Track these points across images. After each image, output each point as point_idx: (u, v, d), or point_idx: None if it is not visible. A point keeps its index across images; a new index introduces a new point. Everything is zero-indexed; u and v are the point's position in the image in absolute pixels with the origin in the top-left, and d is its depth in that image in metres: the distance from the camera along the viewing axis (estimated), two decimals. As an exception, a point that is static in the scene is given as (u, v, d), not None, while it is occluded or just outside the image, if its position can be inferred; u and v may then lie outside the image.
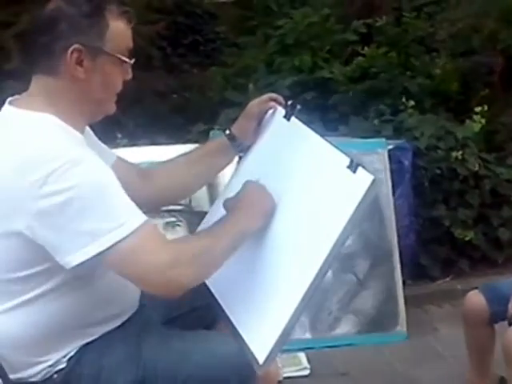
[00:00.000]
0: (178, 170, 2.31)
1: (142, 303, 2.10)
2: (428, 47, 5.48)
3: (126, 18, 1.97)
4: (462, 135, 4.40)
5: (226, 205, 2.09)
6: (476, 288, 3.00)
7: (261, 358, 1.89)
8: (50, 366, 1.95)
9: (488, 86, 5.26)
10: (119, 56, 1.96)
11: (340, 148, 1.99)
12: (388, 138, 4.09)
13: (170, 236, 3.47)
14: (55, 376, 1.95)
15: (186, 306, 2.17)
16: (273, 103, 2.29)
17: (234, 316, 2.04)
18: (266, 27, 6.24)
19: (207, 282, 2.08)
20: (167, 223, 3.53)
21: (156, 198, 2.30)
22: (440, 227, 4.28)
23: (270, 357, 1.88)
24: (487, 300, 2.90)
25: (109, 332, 1.99)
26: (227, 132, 2.31)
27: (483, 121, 4.56)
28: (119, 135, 4.36)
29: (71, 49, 1.88)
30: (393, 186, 3.81)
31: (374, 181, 1.84)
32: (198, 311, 2.03)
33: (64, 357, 1.95)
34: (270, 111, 2.30)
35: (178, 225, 3.53)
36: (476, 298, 2.94)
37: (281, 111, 2.26)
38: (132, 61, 2.00)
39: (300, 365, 3.50)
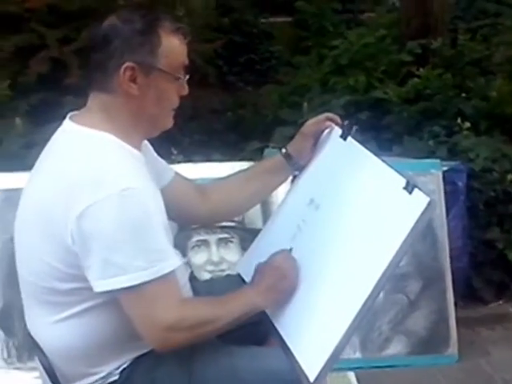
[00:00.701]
0: (236, 187, 2.33)
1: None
2: (483, 69, 5.44)
3: (180, 34, 1.99)
4: (517, 158, 4.36)
5: (256, 267, 2.12)
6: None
7: (311, 376, 1.89)
8: (103, 377, 1.98)
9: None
10: (172, 72, 1.97)
11: (396, 169, 2.00)
12: (442, 159, 4.06)
13: (223, 252, 3.52)
14: (108, 388, 1.97)
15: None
16: (329, 123, 2.29)
17: (285, 332, 2.05)
18: (321, 47, 6.27)
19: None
20: (220, 239, 3.54)
21: (213, 214, 2.33)
22: (493, 250, 4.22)
23: (321, 375, 1.89)
24: None
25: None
26: (283, 150, 2.32)
27: (539, 144, 4.52)
28: (175, 151, 4.39)
29: (124, 66, 1.91)
30: (447, 208, 3.78)
31: (430, 202, 1.85)
32: (249, 326, 2.04)
33: (117, 369, 1.97)
34: (327, 131, 2.30)
35: (231, 241, 3.54)
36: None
37: (337, 131, 2.26)
38: (186, 77, 2.02)
39: (349, 384, 3.49)
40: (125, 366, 1.98)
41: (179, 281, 1.97)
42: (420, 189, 1.89)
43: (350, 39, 5.78)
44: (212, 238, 3.55)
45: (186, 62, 2.01)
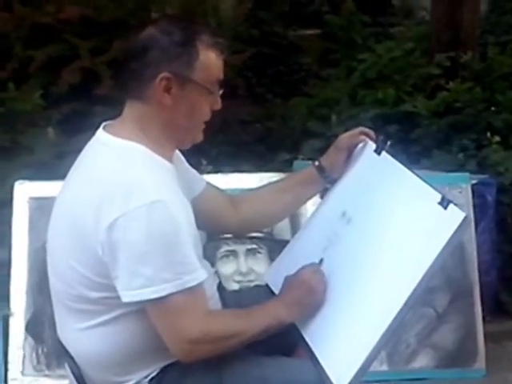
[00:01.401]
0: (268, 198, 2.33)
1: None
2: (513, 84, 5.44)
3: (217, 49, 1.99)
4: (546, 172, 4.34)
5: (285, 279, 2.12)
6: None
7: (341, 388, 1.89)
8: (132, 385, 1.98)
9: None
10: (207, 86, 1.98)
11: (431, 184, 2.00)
12: (472, 172, 4.05)
13: (251, 263, 3.53)
14: (137, 396, 1.98)
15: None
16: (364, 137, 2.28)
17: (314, 344, 2.05)
18: (350, 60, 6.28)
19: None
20: (249, 250, 3.56)
21: (243, 225, 2.34)
22: (522, 264, 4.22)
23: (349, 387, 1.89)
24: None
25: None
26: (316, 163, 2.32)
27: None
28: (204, 162, 4.42)
29: (160, 76, 1.92)
30: (475, 222, 3.77)
31: (465, 218, 1.85)
32: (277, 337, 2.04)
33: (146, 377, 1.97)
34: (360, 145, 2.29)
35: (260, 252, 3.55)
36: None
37: (371, 145, 2.25)
38: (220, 91, 2.02)
39: (376, 396, 3.48)
40: (153, 374, 1.98)
41: (207, 292, 1.98)
42: (455, 204, 1.89)
43: (378, 52, 5.79)
44: (240, 249, 3.57)
45: (221, 76, 2.02)
